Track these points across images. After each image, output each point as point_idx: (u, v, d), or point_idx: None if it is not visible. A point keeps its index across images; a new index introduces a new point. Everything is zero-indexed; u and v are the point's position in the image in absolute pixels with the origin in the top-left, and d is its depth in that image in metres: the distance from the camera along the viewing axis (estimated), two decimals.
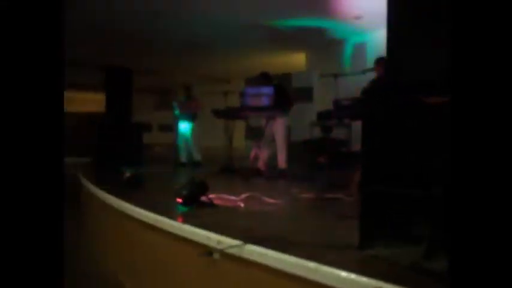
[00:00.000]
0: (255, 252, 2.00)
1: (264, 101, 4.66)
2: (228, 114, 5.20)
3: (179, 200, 2.93)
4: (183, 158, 6.44)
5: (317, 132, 7.07)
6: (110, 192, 3.60)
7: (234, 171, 4.95)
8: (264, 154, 5.09)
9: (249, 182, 4.52)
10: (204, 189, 3.02)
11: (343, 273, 1.67)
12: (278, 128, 5.04)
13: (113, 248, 3.62)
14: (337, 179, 4.26)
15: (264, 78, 5.19)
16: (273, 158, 5.22)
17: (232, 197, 3.31)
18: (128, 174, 3.90)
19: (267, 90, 4.70)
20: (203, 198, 3.02)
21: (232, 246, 2.09)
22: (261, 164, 5.04)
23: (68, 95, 14.20)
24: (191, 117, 6.37)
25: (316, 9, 5.80)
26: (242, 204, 3.08)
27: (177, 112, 6.52)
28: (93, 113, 8.30)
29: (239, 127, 5.30)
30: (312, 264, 1.77)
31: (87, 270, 3.43)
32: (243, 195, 3.33)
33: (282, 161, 5.10)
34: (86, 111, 10.52)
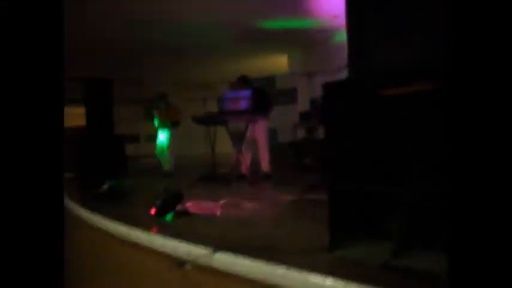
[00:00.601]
0: (225, 260, 1.93)
1: (243, 105, 4.59)
2: (208, 120, 5.12)
3: (152, 211, 2.85)
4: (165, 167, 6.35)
5: (302, 133, 7.05)
6: (82, 205, 3.50)
7: (216, 178, 4.86)
8: (246, 158, 5.02)
9: (231, 187, 4.44)
10: (178, 198, 2.94)
11: (312, 277, 1.61)
12: (259, 131, 4.98)
13: (84, 261, 3.51)
14: (322, 179, 4.21)
15: (243, 82, 5.13)
16: (257, 161, 5.16)
17: (210, 204, 3.23)
18: (105, 187, 3.80)
19: (245, 93, 4.64)
20: (178, 207, 2.94)
21: (201, 256, 2.02)
22: (243, 169, 4.96)
23: None
24: (171, 125, 6.27)
25: (296, 9, 5.76)
26: (218, 212, 3.00)
27: (156, 121, 6.43)
28: (74, 127, 8.15)
29: (222, 133, 5.21)
30: (280, 270, 1.71)
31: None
32: (221, 202, 3.25)
33: (265, 164, 5.03)
34: (68, 126, 10.33)
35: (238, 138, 5.03)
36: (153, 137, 6.89)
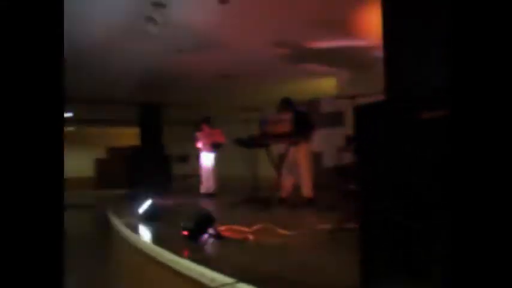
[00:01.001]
0: None
1: (283, 127, 4.53)
2: (250, 142, 5.12)
3: (184, 233, 2.84)
4: (205, 189, 6.44)
5: (349, 158, 6.77)
6: (126, 224, 3.61)
7: (256, 201, 4.78)
8: (286, 182, 4.90)
9: (270, 211, 4.34)
10: (210, 221, 2.91)
11: None
12: (301, 154, 4.86)
13: (123, 274, 3.58)
14: None
15: (285, 104, 5.09)
16: (298, 186, 5.01)
17: (244, 229, 3.15)
18: (145, 207, 3.90)
19: (286, 116, 4.59)
20: (210, 230, 2.90)
21: (224, 285, 1.94)
22: (284, 193, 4.84)
23: (105, 130, 14.89)
24: (214, 147, 6.38)
25: (343, 32, 5.66)
26: (251, 237, 2.91)
27: (199, 143, 6.58)
28: (129, 147, 8.67)
29: (264, 155, 5.17)
30: None
31: None
32: (255, 227, 3.16)
33: (307, 189, 4.87)
34: (121, 146, 11.03)
35: (279, 161, 4.95)
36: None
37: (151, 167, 7.48)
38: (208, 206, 5.33)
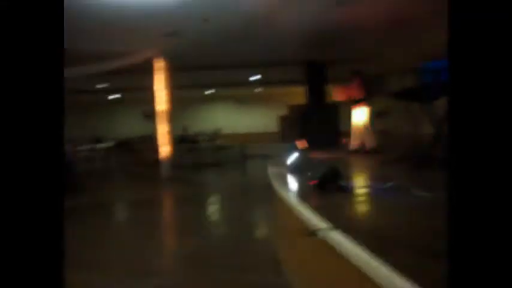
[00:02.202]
0: (338, 240, 1.93)
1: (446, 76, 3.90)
2: (412, 95, 4.65)
3: (312, 183, 3.07)
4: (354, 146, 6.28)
5: None
6: (272, 173, 4.12)
7: (410, 159, 4.42)
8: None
9: (423, 172, 3.97)
10: (336, 175, 3.03)
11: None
12: None
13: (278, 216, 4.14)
14: None
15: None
16: None
17: (377, 185, 3.10)
18: (292, 159, 4.30)
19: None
20: (338, 183, 3.03)
21: (323, 230, 2.10)
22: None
23: (286, 89, 16.00)
24: (363, 101, 6.08)
25: None
26: (379, 194, 2.86)
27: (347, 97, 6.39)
28: (297, 105, 9.31)
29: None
30: (384, 270, 1.54)
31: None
32: (388, 184, 3.05)
33: None
34: (299, 103, 11.83)
35: (438, 116, 4.34)
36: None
37: (317, 123, 7.87)
38: (355, 162, 5.29)
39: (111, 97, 17.27)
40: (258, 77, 13.64)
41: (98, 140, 16.83)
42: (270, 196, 4.06)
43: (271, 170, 4.43)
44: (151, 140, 14.41)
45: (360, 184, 3.36)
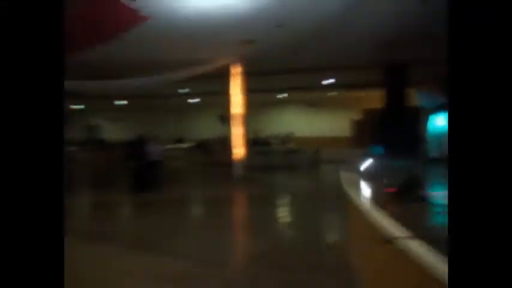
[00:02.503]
0: (415, 249, 1.86)
1: None
2: None
3: (390, 190, 2.97)
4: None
5: None
6: (345, 178, 4.05)
7: None
8: None
9: None
10: (417, 184, 2.89)
11: None
12: None
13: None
14: None
15: None
16: None
17: None
18: (366, 165, 4.18)
19: None
20: (418, 192, 2.89)
21: (400, 238, 2.04)
22: None
23: (361, 93, 15.41)
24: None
25: None
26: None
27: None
28: (380, 109, 8.91)
29: None
30: None
31: None
32: None
33: None
34: (375, 108, 11.33)
35: None
36: None
37: (395, 128, 7.48)
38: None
39: (190, 101, 18.44)
40: (332, 80, 13.42)
41: (179, 141, 18.12)
42: (342, 201, 4.00)
43: (345, 176, 4.37)
44: (226, 142, 15.11)
45: (441, 193, 3.14)
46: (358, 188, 3.64)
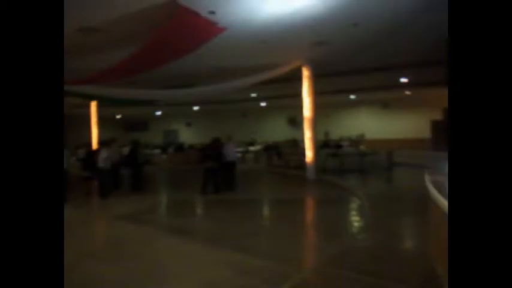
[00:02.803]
0: None
1: None
2: None
3: None
4: None
5: None
6: (430, 180, 3.89)
7: None
8: None
9: None
10: None
11: None
12: None
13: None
14: None
15: None
16: None
17: None
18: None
19: None
20: None
21: None
22: None
23: (441, 92, 14.35)
24: None
25: None
26: None
27: None
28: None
29: None
30: None
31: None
32: None
33: None
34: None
35: None
36: None
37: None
38: None
39: (262, 104, 18.94)
40: (405, 80, 12.74)
41: (250, 143, 18.72)
42: (422, 207, 3.84)
43: (430, 178, 4.20)
44: (296, 144, 15.20)
45: None
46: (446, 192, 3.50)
